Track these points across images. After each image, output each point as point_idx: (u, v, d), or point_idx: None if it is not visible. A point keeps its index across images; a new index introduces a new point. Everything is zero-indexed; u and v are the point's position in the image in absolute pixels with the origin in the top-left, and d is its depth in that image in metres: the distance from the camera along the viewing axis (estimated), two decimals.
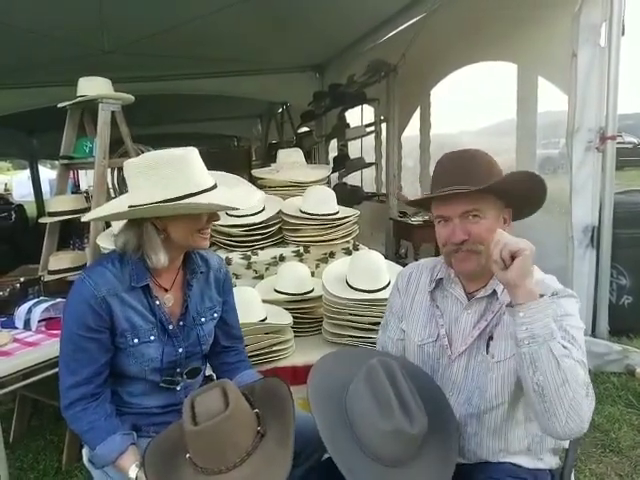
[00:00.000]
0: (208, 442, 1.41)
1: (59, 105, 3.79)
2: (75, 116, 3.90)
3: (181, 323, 1.80)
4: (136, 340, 1.69)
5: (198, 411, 1.43)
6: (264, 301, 2.78)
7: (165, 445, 1.59)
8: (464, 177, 1.48)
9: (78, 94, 3.70)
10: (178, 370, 1.81)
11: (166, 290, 1.78)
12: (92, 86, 3.69)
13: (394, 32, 5.80)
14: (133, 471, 1.58)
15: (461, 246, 1.51)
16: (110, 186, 4.31)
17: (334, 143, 7.96)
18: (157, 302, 1.74)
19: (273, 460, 1.43)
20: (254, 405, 1.56)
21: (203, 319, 1.86)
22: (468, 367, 1.59)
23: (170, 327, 1.76)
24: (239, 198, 1.75)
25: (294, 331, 2.84)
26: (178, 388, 1.83)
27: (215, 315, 1.91)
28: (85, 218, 1.98)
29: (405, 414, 1.36)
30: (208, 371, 2.08)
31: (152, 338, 1.72)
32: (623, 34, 3.53)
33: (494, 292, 1.55)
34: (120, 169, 4.34)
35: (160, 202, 1.57)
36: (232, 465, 1.41)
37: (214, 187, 1.68)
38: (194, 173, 1.63)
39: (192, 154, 1.65)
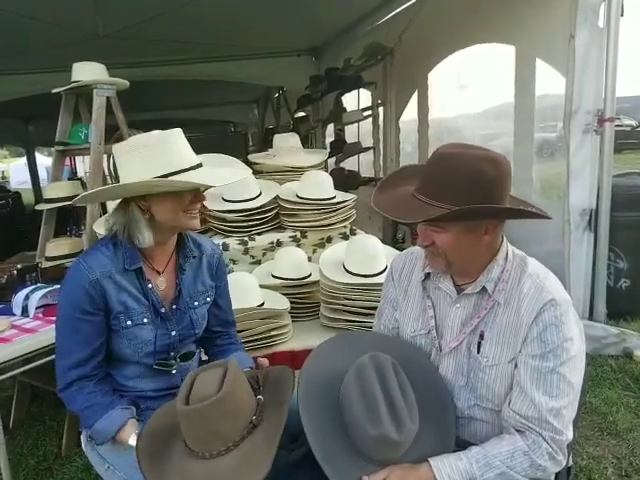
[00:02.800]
0: (194, 425, 1.39)
1: (53, 91, 3.76)
2: (70, 102, 3.87)
3: (174, 307, 1.82)
4: (129, 322, 1.71)
5: (194, 390, 1.41)
6: (261, 286, 2.78)
7: (168, 418, 1.55)
8: (433, 191, 1.43)
9: (72, 79, 3.67)
10: (172, 354, 1.83)
11: (159, 273, 1.79)
12: (86, 71, 3.65)
13: (391, 15, 5.74)
14: (133, 439, 1.59)
15: (426, 248, 1.54)
16: (106, 172, 4.29)
17: (331, 128, 7.92)
18: (150, 285, 1.75)
19: (255, 457, 1.38)
20: (259, 391, 1.54)
21: (196, 303, 1.88)
22: (459, 364, 1.58)
23: (163, 310, 1.78)
24: (219, 177, 1.74)
25: (292, 316, 2.84)
26: (173, 371, 1.85)
27: (208, 299, 1.93)
28: (75, 200, 1.98)
29: (393, 419, 1.36)
30: (204, 356, 2.09)
31: (145, 320, 1.74)
32: (622, 15, 3.49)
33: (484, 289, 1.53)
34: None
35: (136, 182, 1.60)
36: (216, 453, 1.38)
37: (197, 166, 1.69)
38: (178, 152, 1.66)
39: (176, 134, 1.68)
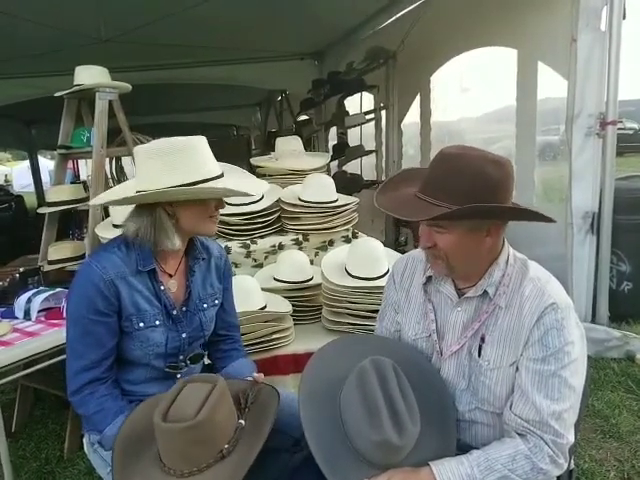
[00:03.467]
0: (165, 441, 1.39)
1: (56, 94, 3.76)
2: (72, 105, 3.88)
3: (184, 309, 1.83)
4: (141, 324, 1.72)
5: (176, 404, 1.40)
6: (263, 289, 2.78)
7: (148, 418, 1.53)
8: (437, 191, 1.43)
9: (75, 83, 3.68)
10: (181, 357, 1.84)
11: (170, 276, 1.81)
12: (89, 75, 3.66)
13: (393, 18, 5.75)
14: None
15: (428, 250, 1.54)
16: (109, 175, 4.30)
17: (333, 131, 7.92)
18: (162, 287, 1.76)
19: None
20: (243, 412, 1.53)
21: (205, 305, 1.89)
22: (460, 367, 1.58)
23: (174, 312, 1.79)
24: (249, 186, 1.80)
25: (294, 319, 2.83)
26: (179, 376, 1.85)
27: (216, 302, 1.95)
28: (92, 202, 2.00)
29: (394, 424, 1.36)
30: (207, 360, 2.09)
31: (157, 323, 1.75)
32: (624, 18, 3.49)
33: (485, 292, 1.53)
34: (118, 158, 4.33)
35: (176, 187, 1.60)
36: (179, 473, 1.37)
37: (220, 176, 1.72)
38: (204, 160, 1.69)
39: (201, 142, 1.70)
